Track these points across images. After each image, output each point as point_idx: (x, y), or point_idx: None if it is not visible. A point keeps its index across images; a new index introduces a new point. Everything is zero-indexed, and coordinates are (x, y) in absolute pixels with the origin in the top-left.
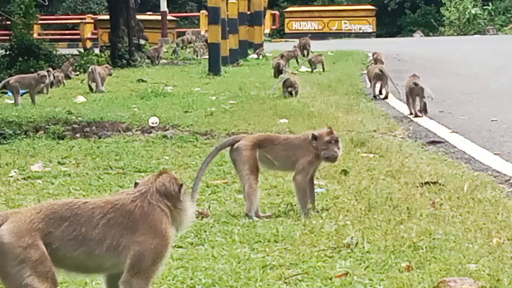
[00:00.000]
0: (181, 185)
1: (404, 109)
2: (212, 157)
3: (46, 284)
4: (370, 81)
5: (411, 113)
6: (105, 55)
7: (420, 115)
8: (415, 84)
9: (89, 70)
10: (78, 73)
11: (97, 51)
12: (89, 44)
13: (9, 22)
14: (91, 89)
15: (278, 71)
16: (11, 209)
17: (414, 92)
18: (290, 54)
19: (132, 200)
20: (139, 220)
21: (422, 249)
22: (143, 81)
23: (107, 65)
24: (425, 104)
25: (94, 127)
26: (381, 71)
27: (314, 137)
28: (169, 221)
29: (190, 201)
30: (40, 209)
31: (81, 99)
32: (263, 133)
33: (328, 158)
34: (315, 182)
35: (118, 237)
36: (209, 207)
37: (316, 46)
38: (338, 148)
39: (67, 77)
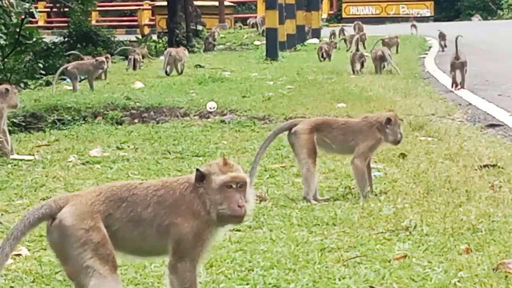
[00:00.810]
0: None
1: (464, 93)
2: (270, 141)
3: (106, 267)
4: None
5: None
6: (163, 41)
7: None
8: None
9: (165, 53)
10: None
11: (154, 37)
12: (146, 30)
13: (67, 9)
14: (166, 72)
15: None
16: (70, 193)
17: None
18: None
19: (181, 181)
20: (179, 201)
21: (481, 231)
22: (200, 66)
23: (183, 48)
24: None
25: (152, 113)
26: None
27: (389, 121)
28: (208, 204)
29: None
30: (100, 192)
31: (139, 84)
32: (320, 117)
33: (395, 141)
34: (374, 165)
35: (164, 217)
36: (267, 190)
37: (373, 30)
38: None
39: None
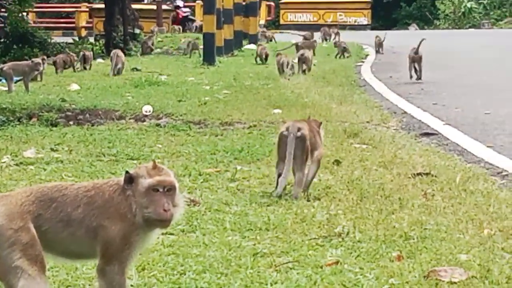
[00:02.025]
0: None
1: (398, 101)
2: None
3: (35, 267)
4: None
5: None
6: (99, 44)
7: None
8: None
9: (112, 54)
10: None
11: (91, 39)
12: (83, 32)
13: (4, 10)
14: (115, 73)
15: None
16: (1, 193)
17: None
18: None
19: (111, 183)
20: (108, 203)
21: (413, 239)
22: (137, 70)
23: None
24: None
25: (87, 115)
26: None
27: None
28: (134, 207)
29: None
30: (31, 192)
31: (75, 87)
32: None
33: None
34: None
35: (93, 218)
36: (201, 195)
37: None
38: None
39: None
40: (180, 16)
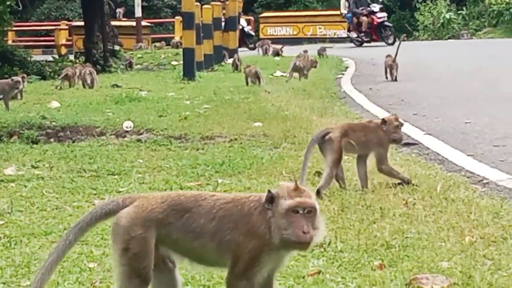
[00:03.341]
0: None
1: (378, 112)
2: (311, 149)
3: (135, 280)
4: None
5: None
6: (79, 61)
7: None
8: None
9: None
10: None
11: (71, 57)
12: (63, 50)
13: None
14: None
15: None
16: (141, 193)
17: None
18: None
19: (252, 199)
20: (245, 218)
21: (395, 247)
22: (117, 86)
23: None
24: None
25: (68, 132)
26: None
27: (384, 122)
28: (273, 227)
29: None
30: (166, 199)
31: (55, 104)
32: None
33: (396, 140)
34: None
35: (228, 232)
36: None
37: (291, 51)
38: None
39: None
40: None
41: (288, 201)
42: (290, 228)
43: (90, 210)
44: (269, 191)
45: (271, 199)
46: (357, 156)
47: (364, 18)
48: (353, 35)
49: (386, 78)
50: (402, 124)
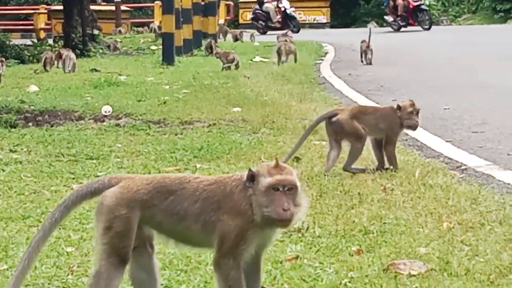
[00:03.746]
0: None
1: (357, 98)
2: (312, 128)
3: (114, 259)
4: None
5: None
6: (58, 45)
7: None
8: None
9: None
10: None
11: (50, 41)
12: (42, 34)
13: None
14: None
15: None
16: (128, 174)
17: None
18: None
19: (234, 178)
20: (227, 198)
21: (373, 233)
22: (96, 70)
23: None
24: None
25: (46, 116)
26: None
27: (398, 107)
28: (254, 205)
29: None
30: (152, 181)
31: (34, 88)
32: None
33: (410, 126)
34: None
35: (212, 213)
36: None
37: (271, 37)
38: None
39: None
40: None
41: (268, 178)
42: (271, 205)
43: (76, 188)
44: (249, 169)
45: (252, 177)
46: (372, 138)
47: (400, 1)
48: (390, 19)
49: (362, 62)
50: (418, 110)
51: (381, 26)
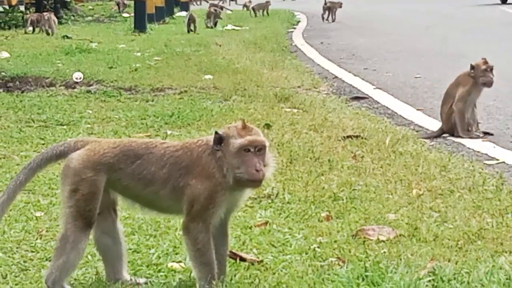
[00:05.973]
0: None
1: (329, 66)
2: None
3: (80, 222)
4: None
5: None
6: (30, 12)
7: None
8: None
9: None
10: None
11: (22, 8)
12: (14, 1)
13: None
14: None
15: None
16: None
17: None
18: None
19: (200, 143)
20: (194, 163)
21: (342, 199)
22: (68, 37)
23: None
24: None
25: (17, 82)
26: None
27: (472, 67)
28: (225, 168)
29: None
30: (118, 144)
31: (5, 54)
32: None
33: (485, 83)
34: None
35: (180, 178)
36: None
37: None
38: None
39: None
40: None
41: (239, 140)
42: (243, 166)
43: (42, 151)
44: (216, 132)
45: (220, 139)
46: None
47: None
48: None
49: (323, 20)
50: (491, 67)
51: None
